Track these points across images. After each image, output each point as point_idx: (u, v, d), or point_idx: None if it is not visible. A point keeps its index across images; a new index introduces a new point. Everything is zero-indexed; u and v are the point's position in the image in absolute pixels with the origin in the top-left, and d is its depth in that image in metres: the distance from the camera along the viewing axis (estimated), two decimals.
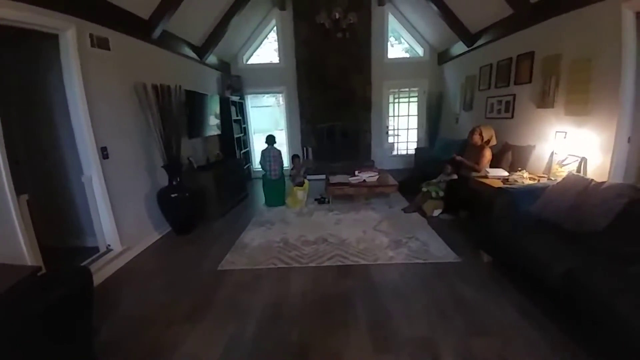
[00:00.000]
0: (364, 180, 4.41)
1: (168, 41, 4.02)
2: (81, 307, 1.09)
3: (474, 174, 3.52)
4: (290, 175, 4.65)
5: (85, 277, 1.04)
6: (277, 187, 4.64)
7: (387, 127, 7.13)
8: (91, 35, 2.80)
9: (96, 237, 2.99)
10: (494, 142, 3.69)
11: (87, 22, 2.73)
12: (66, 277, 1.06)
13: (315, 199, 4.74)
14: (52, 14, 2.40)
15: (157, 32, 3.61)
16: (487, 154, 3.57)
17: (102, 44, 2.93)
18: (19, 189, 2.16)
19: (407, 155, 7.14)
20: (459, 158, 3.78)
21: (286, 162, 6.18)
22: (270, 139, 4.61)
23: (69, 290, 1.00)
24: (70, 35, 2.57)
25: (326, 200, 4.62)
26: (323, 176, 5.16)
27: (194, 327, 2.07)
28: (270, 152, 4.55)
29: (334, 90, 6.44)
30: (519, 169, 3.25)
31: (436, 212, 3.89)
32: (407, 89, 6.98)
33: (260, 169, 4.78)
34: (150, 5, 3.41)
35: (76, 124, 2.73)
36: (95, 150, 2.79)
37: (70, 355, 1.15)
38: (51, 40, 2.57)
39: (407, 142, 7.30)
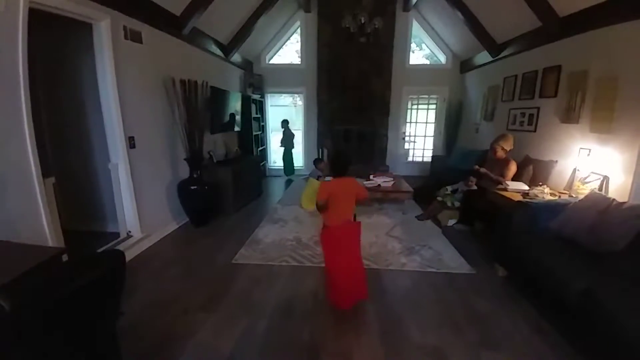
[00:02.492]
0: (379, 185, 4.41)
1: (197, 38, 4.13)
2: (113, 288, 1.15)
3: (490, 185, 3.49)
4: (317, 177, 4.79)
5: (120, 260, 1.10)
6: (289, 155, 6.80)
7: (404, 133, 7.11)
8: (125, 28, 2.90)
9: (117, 222, 3.10)
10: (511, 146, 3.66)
11: (121, 14, 2.83)
12: (102, 259, 1.13)
13: None
14: (89, 4, 2.48)
15: (187, 29, 3.72)
16: (513, 168, 3.51)
17: (135, 36, 3.04)
18: (45, 172, 2.20)
19: (422, 163, 7.11)
20: (483, 170, 3.71)
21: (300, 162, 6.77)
22: (284, 122, 6.69)
23: (105, 271, 1.06)
24: (105, 26, 2.67)
25: None
26: None
27: (208, 317, 2.13)
28: (286, 132, 6.65)
29: (353, 93, 6.47)
30: (540, 183, 3.20)
31: (451, 222, 3.86)
32: (426, 96, 6.95)
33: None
34: (182, 2, 3.52)
35: (106, 113, 2.84)
36: (123, 139, 2.90)
37: (95, 335, 1.20)
38: (83, 29, 2.64)
39: (423, 149, 7.25)
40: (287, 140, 6.74)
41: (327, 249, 2.20)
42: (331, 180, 2.20)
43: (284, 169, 6.90)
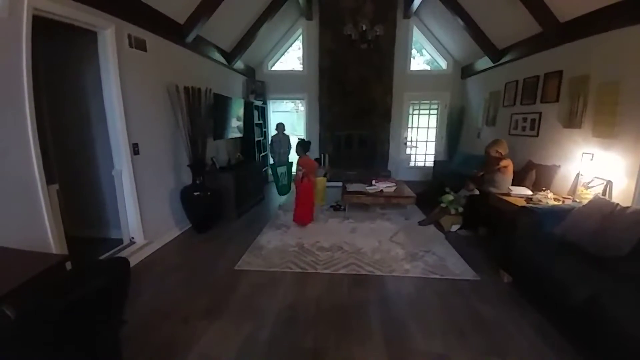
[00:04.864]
0: (382, 190, 4.41)
1: (200, 45, 4.18)
2: (117, 297, 1.15)
3: (493, 189, 3.49)
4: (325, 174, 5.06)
5: (125, 268, 1.10)
6: (283, 172, 5.18)
7: (406, 138, 7.12)
8: (129, 36, 2.94)
9: (120, 229, 3.10)
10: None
11: (126, 22, 2.87)
12: (107, 267, 1.13)
13: (331, 206, 4.76)
14: (94, 12, 2.51)
15: (191, 37, 3.76)
16: (508, 161, 3.56)
17: (139, 44, 3.08)
18: (49, 179, 2.20)
19: (424, 167, 7.10)
20: (480, 173, 3.73)
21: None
22: (280, 126, 5.97)
23: (109, 279, 1.06)
24: (109, 34, 2.70)
25: (342, 207, 4.63)
26: (339, 183, 5.18)
27: (210, 324, 2.11)
28: (278, 137, 5.91)
29: (355, 99, 6.50)
30: (543, 188, 3.19)
31: (454, 227, 3.84)
32: (427, 101, 6.97)
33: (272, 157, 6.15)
34: (186, 11, 3.57)
35: (111, 120, 2.86)
36: (128, 146, 2.91)
37: (99, 342, 1.20)
38: (87, 37, 2.67)
39: (425, 154, 7.25)
40: (280, 146, 5.77)
41: (297, 189, 4.07)
42: (302, 157, 4.05)
43: (277, 187, 5.15)
